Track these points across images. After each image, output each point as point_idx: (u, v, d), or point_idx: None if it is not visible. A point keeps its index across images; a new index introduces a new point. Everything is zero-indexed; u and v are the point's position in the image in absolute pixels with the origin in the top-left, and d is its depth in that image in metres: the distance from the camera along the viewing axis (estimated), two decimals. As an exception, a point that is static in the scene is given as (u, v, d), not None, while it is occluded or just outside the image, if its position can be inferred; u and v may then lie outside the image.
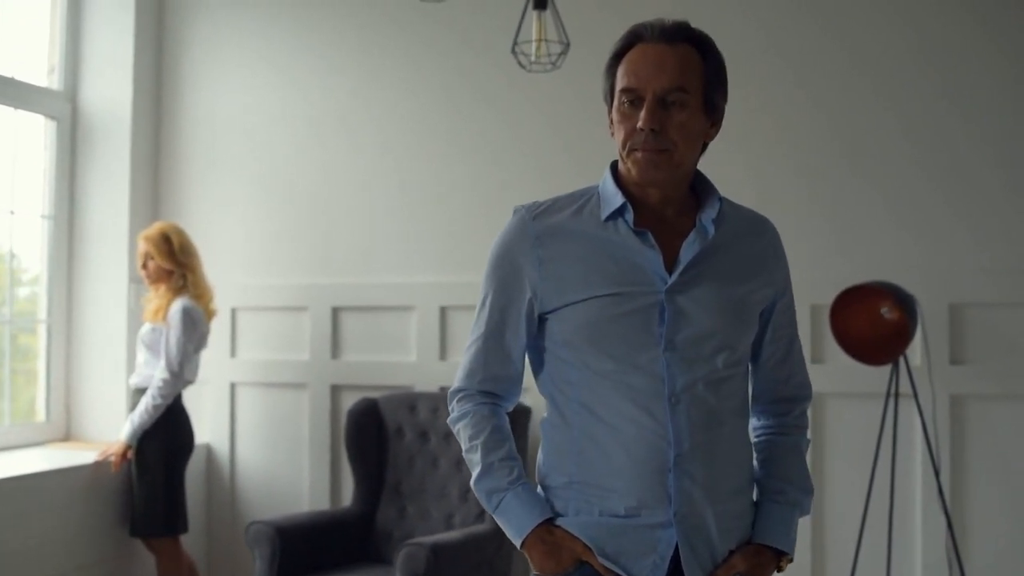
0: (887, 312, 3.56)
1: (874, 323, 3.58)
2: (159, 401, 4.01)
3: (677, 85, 1.76)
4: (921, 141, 3.90)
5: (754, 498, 1.91)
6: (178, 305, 4.08)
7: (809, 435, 1.99)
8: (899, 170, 3.91)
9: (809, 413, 2.07)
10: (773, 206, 3.98)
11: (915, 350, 3.79)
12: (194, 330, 4.09)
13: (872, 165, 3.95)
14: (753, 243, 1.89)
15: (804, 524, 3.87)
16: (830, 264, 3.92)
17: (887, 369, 3.68)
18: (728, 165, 3.86)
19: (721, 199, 1.86)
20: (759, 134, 4.05)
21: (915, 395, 3.63)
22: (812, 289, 3.81)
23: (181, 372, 4.04)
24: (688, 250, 1.80)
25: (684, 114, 1.77)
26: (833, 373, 3.89)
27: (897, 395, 3.64)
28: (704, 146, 1.87)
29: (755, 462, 1.94)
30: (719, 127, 1.86)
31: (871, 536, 3.74)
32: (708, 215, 1.82)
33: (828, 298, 3.67)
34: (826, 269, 3.90)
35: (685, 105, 1.77)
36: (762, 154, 4.05)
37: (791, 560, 1.89)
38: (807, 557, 3.92)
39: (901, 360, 3.63)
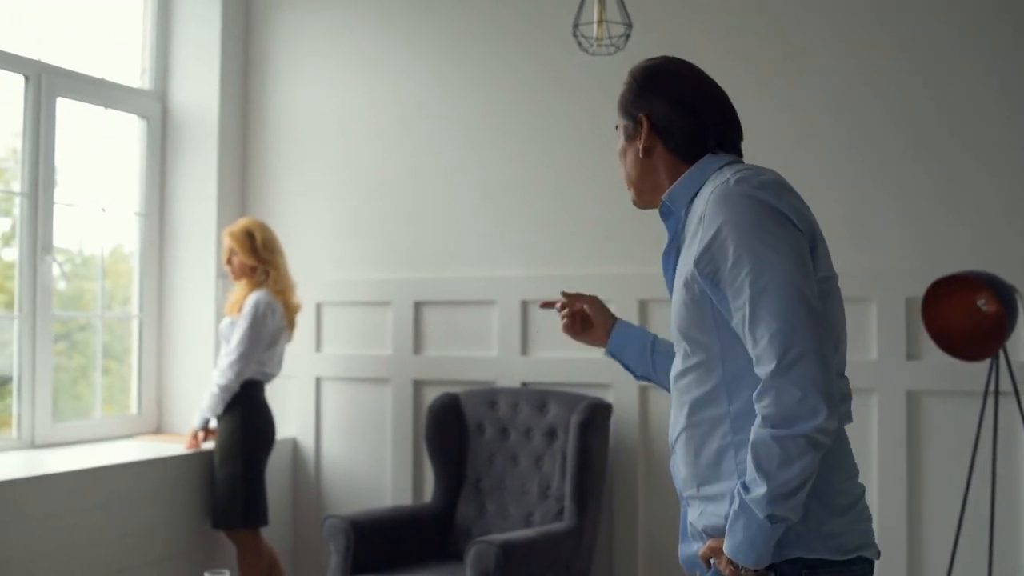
0: (984, 304, 3.33)
1: (970, 316, 3.35)
2: (215, 390, 4.08)
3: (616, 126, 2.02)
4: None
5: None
6: (252, 298, 4.12)
7: (775, 430, 1.59)
8: (997, 160, 3.68)
9: (856, 407, 1.83)
10: (866, 196, 3.80)
11: (1018, 345, 3.54)
12: (262, 323, 4.11)
13: (970, 157, 3.71)
14: (700, 217, 1.79)
15: (899, 524, 3.67)
16: (926, 256, 3.69)
17: (985, 365, 3.45)
18: (806, 166, 3.73)
19: (680, 188, 1.90)
20: (836, 131, 3.86)
21: (1016, 393, 3.39)
22: (907, 282, 3.61)
23: (242, 360, 4.06)
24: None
25: (620, 148, 2.01)
26: (928, 369, 3.67)
27: (997, 393, 3.41)
28: (682, 154, 1.91)
29: None
30: (640, 136, 1.94)
31: (969, 542, 3.51)
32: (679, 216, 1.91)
33: (923, 291, 3.45)
34: (922, 261, 3.68)
35: (620, 140, 2.01)
36: (840, 150, 3.85)
37: (744, 568, 1.65)
38: (903, 558, 3.71)
39: (1001, 355, 3.40)
